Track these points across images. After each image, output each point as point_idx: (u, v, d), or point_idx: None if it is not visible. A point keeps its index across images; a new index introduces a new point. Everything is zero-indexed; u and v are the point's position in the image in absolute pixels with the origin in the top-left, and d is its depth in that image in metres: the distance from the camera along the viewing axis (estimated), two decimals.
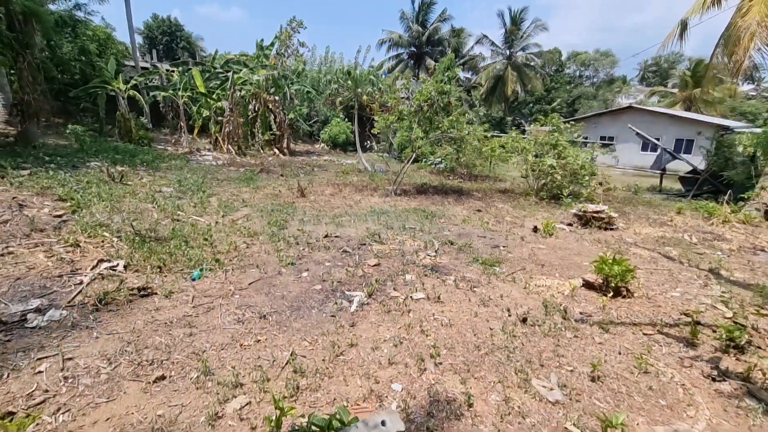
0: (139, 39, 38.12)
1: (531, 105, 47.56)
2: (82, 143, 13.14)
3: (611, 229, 7.99)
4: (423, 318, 3.98)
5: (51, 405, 2.57)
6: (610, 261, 4.73)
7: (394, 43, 38.14)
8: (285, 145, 20.02)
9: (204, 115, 18.31)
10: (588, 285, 4.88)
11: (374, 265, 5.35)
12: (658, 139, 17.18)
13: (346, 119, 25.38)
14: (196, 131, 18.59)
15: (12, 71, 13.41)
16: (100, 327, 3.47)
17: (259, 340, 3.48)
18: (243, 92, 17.61)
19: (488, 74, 38.35)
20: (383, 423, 2.16)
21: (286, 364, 3.14)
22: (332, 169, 16.05)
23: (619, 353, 3.55)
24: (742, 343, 3.61)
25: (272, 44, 21.66)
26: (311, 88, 20.98)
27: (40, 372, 2.85)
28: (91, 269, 4.47)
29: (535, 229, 7.75)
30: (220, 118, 18.30)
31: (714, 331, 3.96)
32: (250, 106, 18.46)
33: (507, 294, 4.65)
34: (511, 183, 15.25)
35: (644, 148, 26.48)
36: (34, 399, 2.60)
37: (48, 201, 6.63)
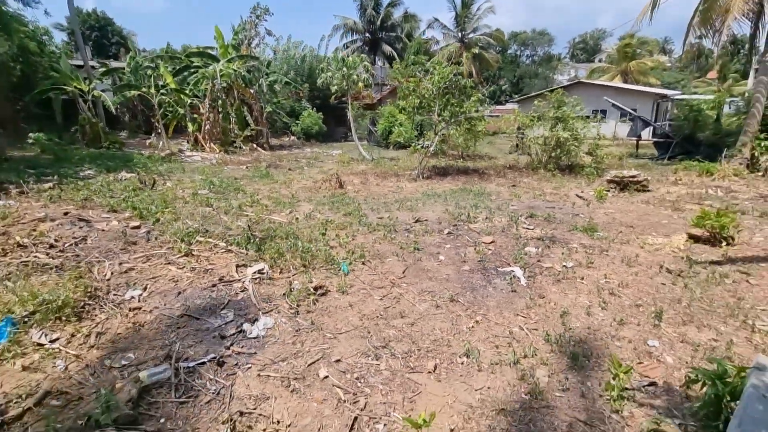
0: (62, 35, 33.89)
1: (485, 84, 49.28)
2: (56, 153, 11.65)
3: (648, 191, 8.74)
4: (593, 283, 4.18)
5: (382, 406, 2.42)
6: (714, 214, 5.24)
7: (349, 29, 37.45)
8: (266, 140, 19.15)
9: (178, 114, 16.87)
10: (694, 238, 5.37)
11: (490, 243, 5.45)
12: (634, 110, 18.70)
13: (315, 109, 24.72)
14: (171, 131, 17.09)
15: None
16: (325, 329, 3.24)
17: (478, 321, 3.47)
18: (219, 86, 16.44)
19: (443, 56, 39.06)
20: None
21: (557, 338, 3.18)
22: (327, 160, 15.67)
23: None
24: None
25: (237, 33, 20.30)
26: (290, 79, 20.08)
27: (326, 377, 2.65)
28: (241, 275, 4.12)
29: (581, 198, 8.26)
30: (195, 115, 17.01)
31: None
32: (220, 100, 17.29)
33: (635, 254, 4.99)
34: (504, 160, 15.88)
35: (621, 117, 28.48)
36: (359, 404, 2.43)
37: (104, 213, 5.88)
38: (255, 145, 18.08)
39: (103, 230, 5.17)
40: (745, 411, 1.91)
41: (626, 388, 2.51)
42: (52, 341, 2.85)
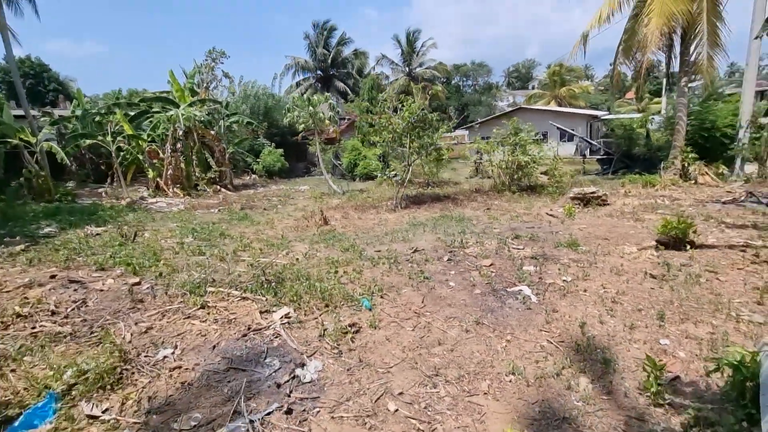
0: None
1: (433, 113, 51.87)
2: (2, 211, 10.78)
3: (608, 204, 9.71)
4: (594, 293, 4.64)
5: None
6: (676, 222, 6.01)
7: (301, 67, 38.40)
8: (229, 180, 18.85)
9: (136, 160, 16.23)
10: (662, 245, 6.09)
11: (489, 265, 5.83)
12: (573, 130, 20.61)
13: (273, 145, 24.80)
14: (129, 178, 16.34)
15: None
16: (374, 364, 3.34)
17: (509, 340, 3.75)
18: (181, 130, 16.13)
19: (393, 90, 40.97)
20: None
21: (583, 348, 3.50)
22: (298, 197, 15.72)
23: (745, 284, 4.70)
24: None
25: (192, 77, 20.20)
26: (251, 119, 20.11)
27: (396, 410, 2.75)
28: (268, 321, 4.11)
29: (551, 216, 9.01)
30: (154, 160, 16.47)
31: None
32: (181, 144, 16.91)
33: (620, 264, 5.58)
34: (468, 184, 16.79)
35: (561, 138, 30.89)
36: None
37: (93, 272, 5.58)
38: (219, 187, 17.72)
39: (101, 290, 4.93)
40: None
41: (660, 384, 2.86)
42: (104, 411, 2.73)
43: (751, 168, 14.03)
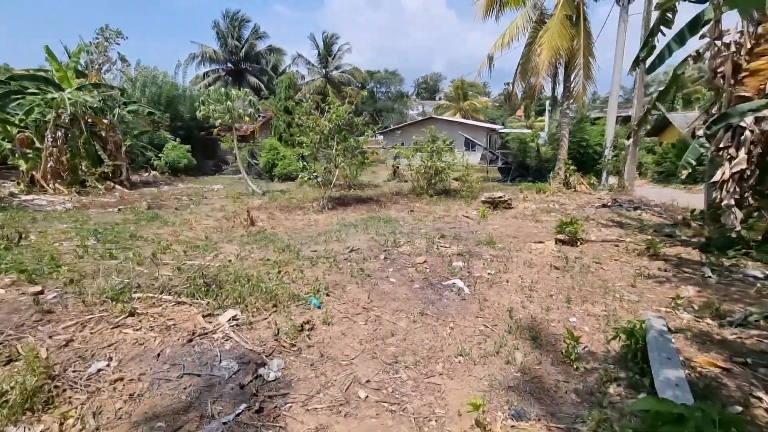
0: None
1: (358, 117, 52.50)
2: None
3: (512, 208, 11.04)
4: (515, 283, 5.37)
5: None
6: (568, 222, 7.20)
7: (209, 57, 35.63)
8: (126, 176, 16.75)
9: (2, 149, 13.49)
10: (560, 241, 7.23)
11: (423, 262, 6.30)
12: (477, 140, 22.73)
13: (178, 140, 22.75)
14: None
15: None
16: (336, 358, 3.44)
17: (452, 327, 4.17)
18: (66, 117, 13.87)
19: (309, 90, 40.45)
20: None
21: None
22: (212, 196, 14.72)
23: (621, 271, 5.87)
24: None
25: (77, 55, 17.43)
26: (153, 109, 18.08)
27: (367, 397, 2.91)
28: (212, 325, 3.91)
29: (467, 217, 9.98)
30: (28, 151, 13.89)
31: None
32: (65, 133, 14.56)
33: (530, 258, 6.49)
34: (388, 187, 17.50)
35: (467, 147, 33.24)
36: None
37: None
38: (112, 183, 15.65)
39: (7, 302, 4.15)
40: (654, 344, 3.05)
41: (577, 352, 3.51)
42: None
43: (613, 180, 17.16)
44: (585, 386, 3.12)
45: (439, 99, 72.41)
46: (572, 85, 16.35)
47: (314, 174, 13.81)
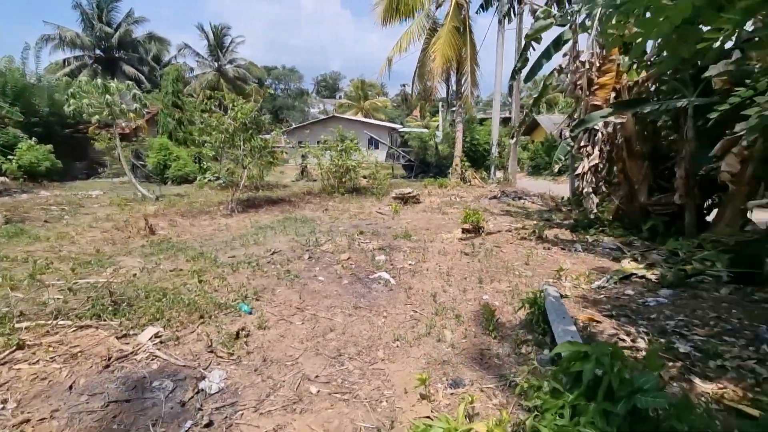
0: None
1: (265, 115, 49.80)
2: None
3: (420, 203, 11.84)
4: (434, 270, 5.89)
5: None
6: (472, 213, 8.09)
7: (70, 42, 30.29)
8: None
9: None
10: (466, 231, 8.08)
11: (347, 259, 6.49)
12: (381, 139, 23.57)
13: (34, 139, 19.10)
14: None
15: None
16: (279, 360, 3.43)
17: (385, 316, 4.46)
18: None
19: (200, 84, 37.20)
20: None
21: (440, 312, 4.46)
22: (91, 204, 12.78)
23: (516, 252, 6.85)
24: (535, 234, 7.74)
25: None
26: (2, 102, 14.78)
27: (318, 391, 2.99)
28: (130, 346, 3.55)
29: (381, 213, 10.47)
30: None
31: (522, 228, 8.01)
32: None
33: (443, 247, 7.14)
34: (297, 187, 17.23)
35: (370, 146, 33.86)
36: None
37: None
38: None
39: None
40: (551, 307, 3.74)
41: (493, 324, 4.08)
42: None
43: (500, 174, 19.48)
44: (504, 350, 3.68)
45: (340, 98, 72.82)
46: (462, 89, 18.08)
47: (217, 176, 12.93)
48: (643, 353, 3.34)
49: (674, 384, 2.96)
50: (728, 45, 5.30)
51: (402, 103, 68.01)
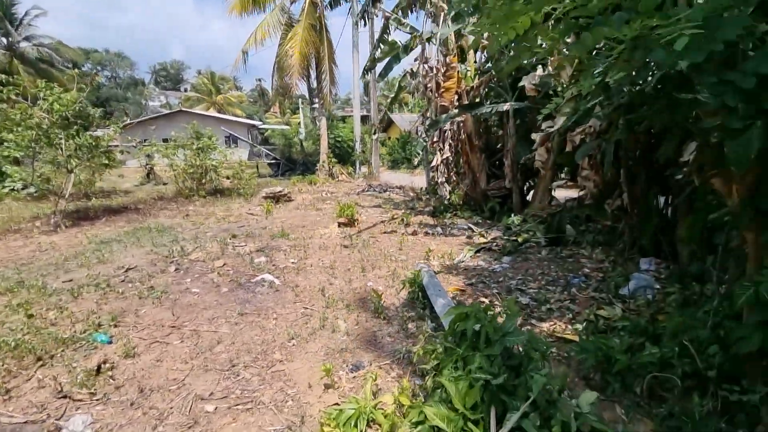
0: None
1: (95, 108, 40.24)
2: None
3: (292, 200, 11.63)
4: (317, 266, 5.97)
5: None
6: (345, 207, 8.40)
7: None
8: None
9: None
10: (342, 224, 8.34)
11: (223, 265, 6.04)
12: (240, 136, 22.06)
13: None
14: None
15: None
16: (162, 387, 3.03)
17: (276, 318, 4.36)
18: None
19: None
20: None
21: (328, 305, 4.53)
22: None
23: (390, 240, 7.43)
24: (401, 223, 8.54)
25: None
26: None
27: (216, 408, 2.77)
28: None
29: (252, 214, 9.99)
30: None
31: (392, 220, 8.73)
32: None
33: (322, 242, 7.25)
34: (144, 192, 14.96)
35: (228, 143, 31.08)
36: None
37: None
38: None
39: None
40: (429, 284, 4.27)
41: (382, 307, 4.41)
42: None
43: (364, 169, 20.49)
44: (393, 329, 4.04)
45: (186, 90, 64.94)
46: (323, 87, 18.33)
47: (25, 183, 10.25)
48: (500, 308, 4.12)
49: (522, 329, 3.75)
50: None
51: (259, 98, 64.65)
